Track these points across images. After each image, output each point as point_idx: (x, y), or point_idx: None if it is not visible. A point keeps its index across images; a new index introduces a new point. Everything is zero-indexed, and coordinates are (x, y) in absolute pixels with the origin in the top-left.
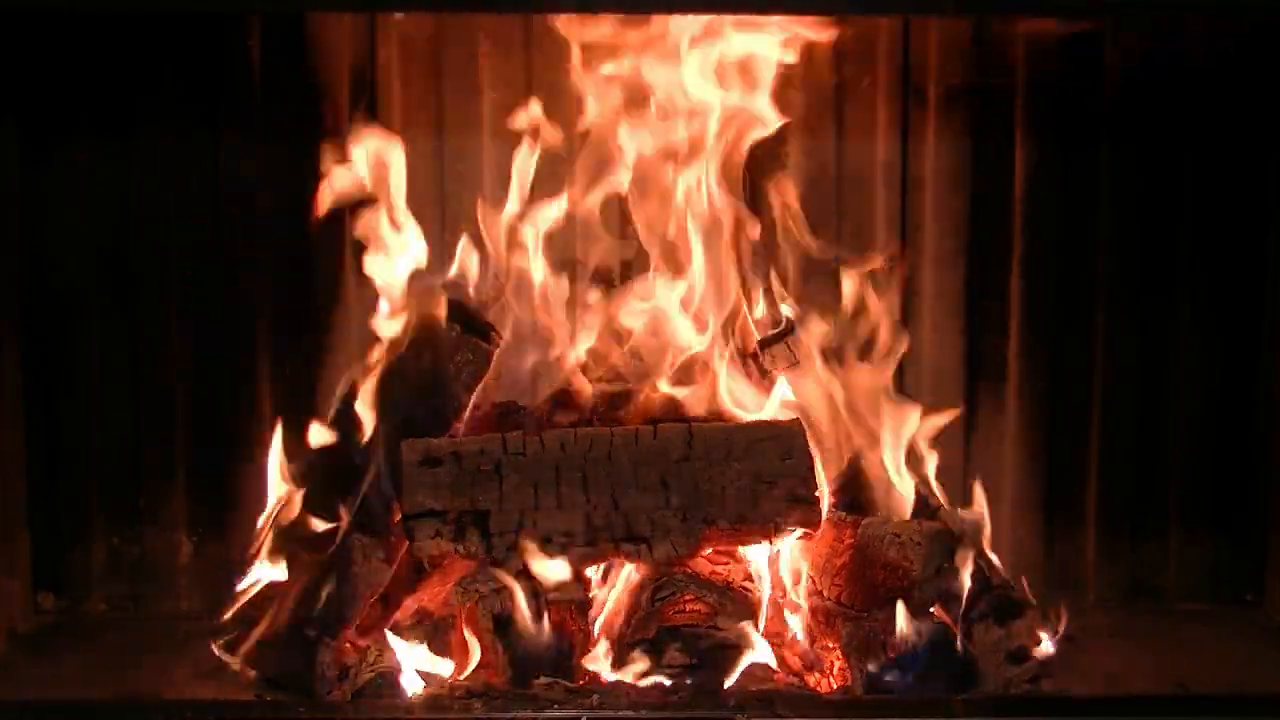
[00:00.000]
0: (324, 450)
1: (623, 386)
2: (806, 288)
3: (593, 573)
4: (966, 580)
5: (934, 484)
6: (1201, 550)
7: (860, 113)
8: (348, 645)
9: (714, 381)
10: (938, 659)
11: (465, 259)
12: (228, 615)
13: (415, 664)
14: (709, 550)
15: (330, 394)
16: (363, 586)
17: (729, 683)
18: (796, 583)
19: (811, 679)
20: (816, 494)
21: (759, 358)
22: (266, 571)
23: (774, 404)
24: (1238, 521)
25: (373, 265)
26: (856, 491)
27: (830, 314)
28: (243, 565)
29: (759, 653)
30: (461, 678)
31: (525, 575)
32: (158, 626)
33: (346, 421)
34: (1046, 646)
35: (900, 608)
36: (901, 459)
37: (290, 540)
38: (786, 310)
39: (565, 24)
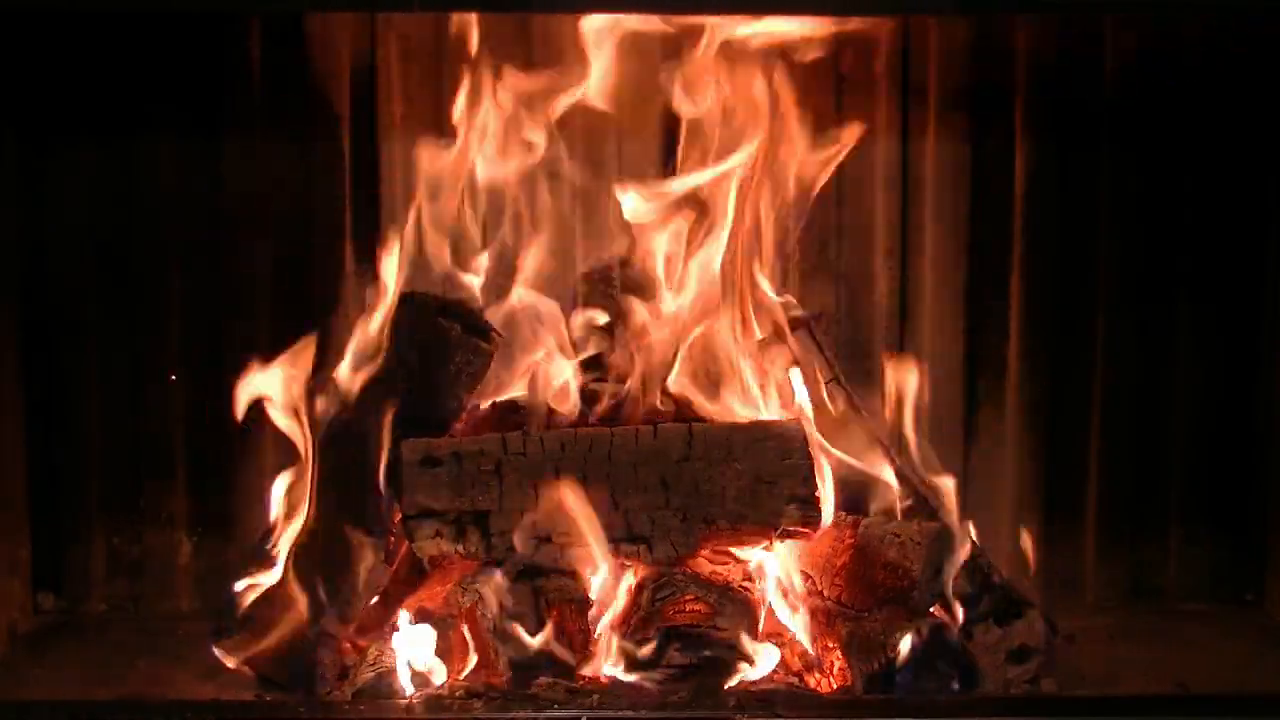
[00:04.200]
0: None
1: (623, 386)
2: (808, 287)
3: (593, 573)
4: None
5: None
6: (1201, 550)
7: (860, 113)
8: (348, 645)
9: (715, 381)
10: (937, 659)
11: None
12: (227, 615)
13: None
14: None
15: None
16: (363, 586)
17: (729, 683)
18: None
19: (811, 679)
20: (816, 494)
21: (759, 357)
22: (266, 571)
23: (774, 404)
24: (1238, 521)
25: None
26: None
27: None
28: (244, 565)
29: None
30: (461, 678)
31: (525, 575)
32: (158, 626)
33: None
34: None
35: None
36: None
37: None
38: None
39: None
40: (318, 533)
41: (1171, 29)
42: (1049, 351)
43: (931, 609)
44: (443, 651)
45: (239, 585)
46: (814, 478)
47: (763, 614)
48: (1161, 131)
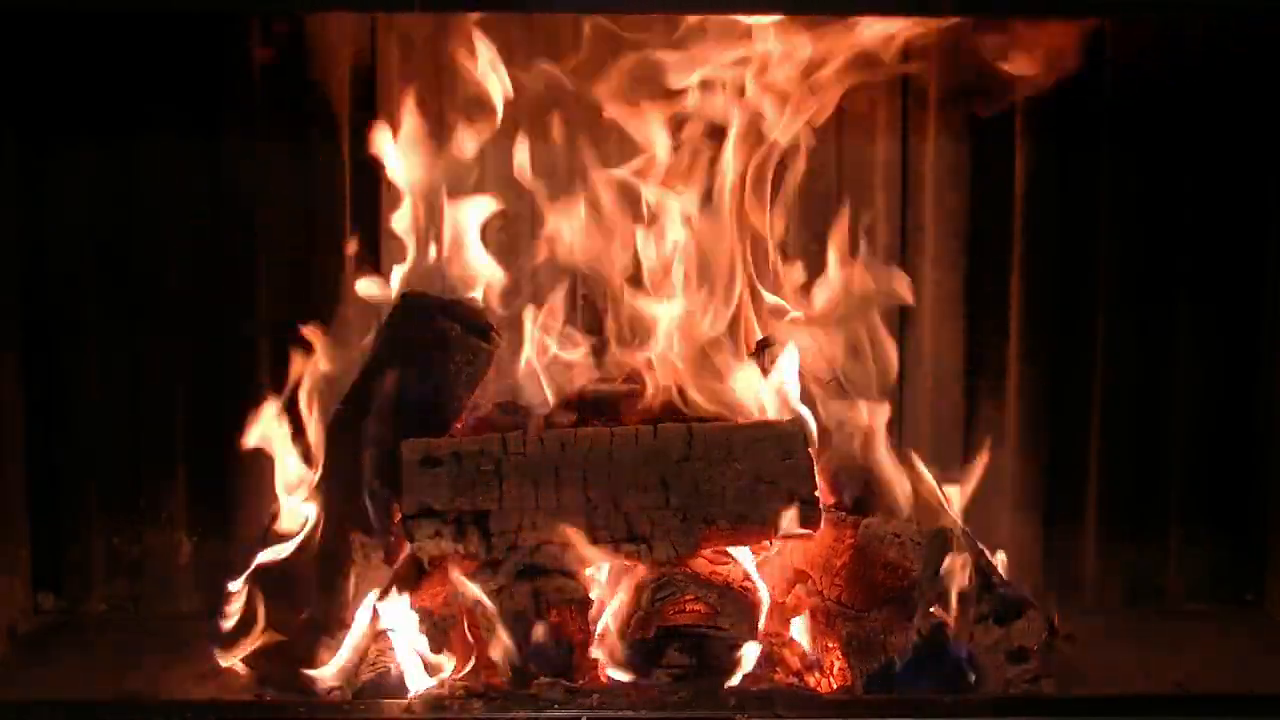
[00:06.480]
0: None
1: (623, 387)
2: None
3: (593, 573)
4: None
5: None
6: (1201, 550)
7: (860, 113)
8: None
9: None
10: (937, 659)
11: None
12: (226, 615)
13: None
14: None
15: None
16: (363, 586)
17: (729, 683)
18: (796, 582)
19: (811, 679)
20: (816, 494)
21: (758, 357)
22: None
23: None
24: (1238, 521)
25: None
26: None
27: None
28: (243, 565)
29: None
30: (461, 678)
31: (525, 575)
32: (158, 626)
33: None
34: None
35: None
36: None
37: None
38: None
39: None
40: (318, 532)
41: (1171, 29)
42: (1049, 351)
43: (931, 609)
44: (443, 651)
45: (238, 585)
46: (814, 477)
47: (763, 614)
48: (1161, 131)
